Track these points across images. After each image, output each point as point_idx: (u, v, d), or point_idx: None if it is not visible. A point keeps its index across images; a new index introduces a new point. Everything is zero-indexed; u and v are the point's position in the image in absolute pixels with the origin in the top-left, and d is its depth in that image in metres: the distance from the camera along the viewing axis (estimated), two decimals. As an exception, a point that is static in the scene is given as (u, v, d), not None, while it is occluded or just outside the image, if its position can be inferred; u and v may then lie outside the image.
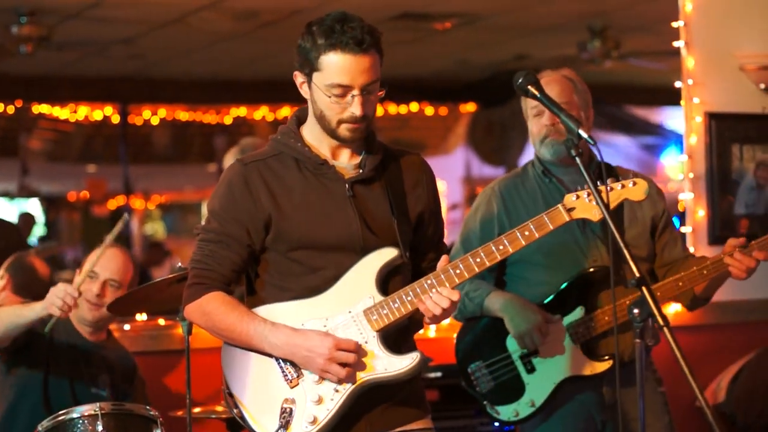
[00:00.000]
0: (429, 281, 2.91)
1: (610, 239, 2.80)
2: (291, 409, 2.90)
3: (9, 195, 15.08)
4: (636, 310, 2.71)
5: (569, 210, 2.95)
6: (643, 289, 2.69)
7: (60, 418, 3.76)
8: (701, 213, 5.32)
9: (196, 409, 4.20)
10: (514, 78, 2.97)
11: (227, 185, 3.00)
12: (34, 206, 15.90)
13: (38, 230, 14.74)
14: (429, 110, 12.77)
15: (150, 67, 10.78)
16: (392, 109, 12.40)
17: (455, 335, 3.97)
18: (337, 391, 2.91)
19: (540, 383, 3.75)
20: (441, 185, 11.95)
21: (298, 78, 2.98)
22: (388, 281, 2.97)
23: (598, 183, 2.87)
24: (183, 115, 12.33)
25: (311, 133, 3.02)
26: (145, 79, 11.37)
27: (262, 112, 12.17)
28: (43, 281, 4.50)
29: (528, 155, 3.96)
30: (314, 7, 7.35)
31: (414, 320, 3.02)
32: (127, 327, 4.81)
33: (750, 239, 3.63)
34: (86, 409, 3.76)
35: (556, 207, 2.96)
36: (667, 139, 13.17)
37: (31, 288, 4.39)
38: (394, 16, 8.49)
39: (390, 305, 2.92)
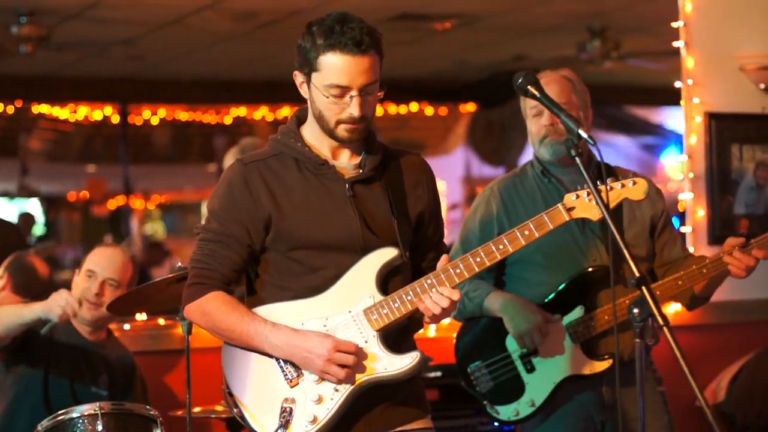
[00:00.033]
0: (429, 281, 2.91)
1: (610, 239, 2.80)
2: (291, 409, 2.90)
3: (9, 195, 15.07)
4: (636, 310, 2.71)
5: (569, 209, 2.95)
6: (643, 288, 2.69)
7: (60, 417, 3.76)
8: (701, 213, 5.32)
9: (196, 409, 4.19)
10: (514, 78, 2.97)
11: (227, 185, 3.00)
12: (33, 206, 15.89)
13: (38, 230, 14.73)
14: (429, 110, 12.78)
15: (150, 67, 10.79)
16: (392, 109, 12.40)
17: (455, 335, 3.97)
18: (337, 390, 2.91)
19: (540, 383, 3.75)
20: (441, 185, 11.94)
21: (298, 78, 2.98)
22: (388, 281, 2.97)
23: (598, 183, 2.87)
24: (183, 115, 12.33)
25: (311, 133, 3.02)
26: (144, 79, 11.38)
27: (261, 112, 12.18)
28: (43, 281, 4.50)
29: (528, 155, 3.96)
30: (313, 8, 7.36)
31: (414, 320, 3.02)
32: (127, 327, 4.80)
33: (749, 239, 3.63)
34: (86, 408, 3.76)
35: (556, 206, 2.96)
36: (666, 140, 13.18)
37: (30, 287, 4.40)
38: (393, 16, 8.49)
39: (390, 305, 2.92)
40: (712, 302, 3.96)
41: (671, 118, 12.54)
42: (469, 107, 12.87)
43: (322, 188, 2.98)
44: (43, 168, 13.90)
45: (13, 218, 12.01)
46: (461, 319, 3.94)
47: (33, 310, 3.86)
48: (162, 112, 12.17)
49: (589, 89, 3.86)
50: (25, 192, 14.51)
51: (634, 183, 2.99)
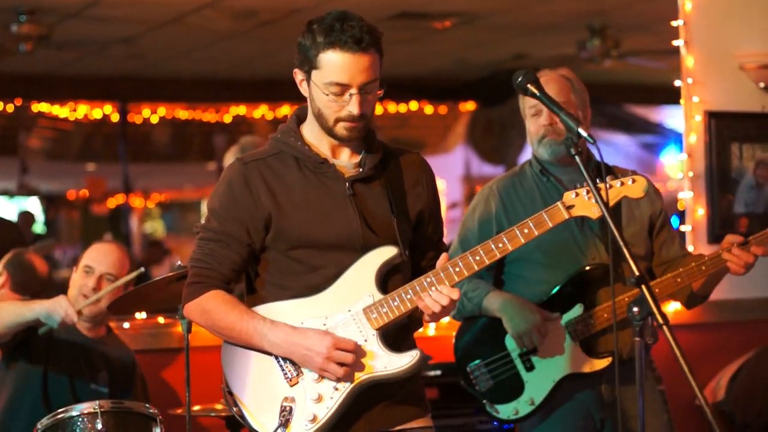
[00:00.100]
0: (428, 279, 2.92)
1: (609, 237, 2.80)
2: (291, 408, 2.90)
3: (8, 193, 15.06)
4: (635, 309, 2.70)
5: (568, 207, 2.96)
6: (643, 287, 2.69)
7: (59, 416, 3.76)
8: (701, 212, 5.33)
9: (196, 408, 4.19)
10: (514, 77, 2.97)
11: (227, 184, 3.00)
12: (33, 205, 15.87)
13: (38, 228, 14.71)
14: (428, 109, 12.77)
15: (149, 65, 10.78)
16: (392, 107, 12.39)
17: (455, 333, 3.97)
18: (336, 389, 2.91)
19: (539, 381, 3.75)
20: (440, 184, 11.92)
21: (298, 75, 2.98)
22: (387, 280, 2.97)
23: (597, 181, 2.87)
24: (182, 113, 12.32)
25: (311, 132, 3.02)
26: (144, 77, 11.37)
27: (261, 111, 12.17)
28: (42, 279, 4.51)
29: (527, 154, 3.96)
30: (313, 6, 7.35)
31: (414, 318, 3.02)
32: (126, 325, 4.81)
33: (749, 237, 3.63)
34: (86, 407, 3.76)
35: (556, 204, 2.97)
36: (666, 138, 13.16)
37: (29, 285, 4.40)
38: (393, 15, 8.48)
39: (389, 303, 2.92)
40: (711, 301, 3.96)
41: (671, 117, 12.53)
42: (469, 106, 12.86)
43: (322, 187, 2.98)
44: (42, 166, 13.89)
45: (12, 217, 12.01)
46: (460, 319, 3.94)
47: (33, 311, 3.86)
48: (162, 111, 12.16)
49: (588, 88, 3.86)
50: (25, 190, 14.50)
51: (634, 181, 3.00)
